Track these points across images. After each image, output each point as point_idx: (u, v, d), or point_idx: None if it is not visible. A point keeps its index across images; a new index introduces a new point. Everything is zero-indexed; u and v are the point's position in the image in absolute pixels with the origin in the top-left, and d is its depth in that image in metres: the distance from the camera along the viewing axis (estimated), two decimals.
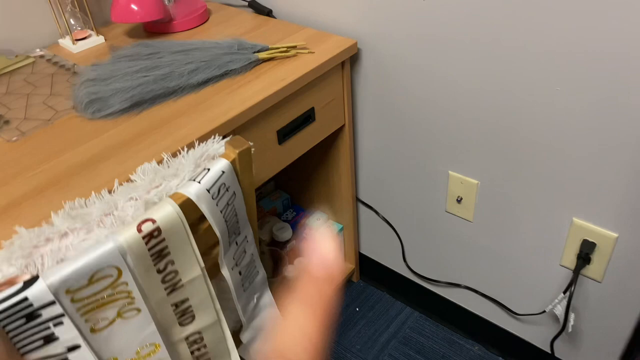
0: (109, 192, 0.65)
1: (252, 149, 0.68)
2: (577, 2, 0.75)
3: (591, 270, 0.96)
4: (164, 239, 0.58)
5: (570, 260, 0.98)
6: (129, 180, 0.67)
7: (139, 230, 0.56)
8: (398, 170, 1.17)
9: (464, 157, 1.03)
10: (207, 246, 0.68)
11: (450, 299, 1.28)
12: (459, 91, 0.96)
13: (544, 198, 0.96)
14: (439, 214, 1.16)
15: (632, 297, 0.94)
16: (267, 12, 1.17)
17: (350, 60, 1.06)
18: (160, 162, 0.69)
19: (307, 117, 1.01)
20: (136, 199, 0.62)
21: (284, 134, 0.98)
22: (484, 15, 0.85)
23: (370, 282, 1.45)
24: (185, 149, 0.68)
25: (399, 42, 0.99)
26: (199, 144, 0.69)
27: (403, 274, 1.35)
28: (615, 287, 0.95)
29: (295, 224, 1.40)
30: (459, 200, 1.10)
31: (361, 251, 1.42)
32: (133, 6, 1.03)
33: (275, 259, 1.33)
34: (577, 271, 0.96)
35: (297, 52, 0.99)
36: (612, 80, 0.77)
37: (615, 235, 0.90)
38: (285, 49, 0.99)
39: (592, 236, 0.93)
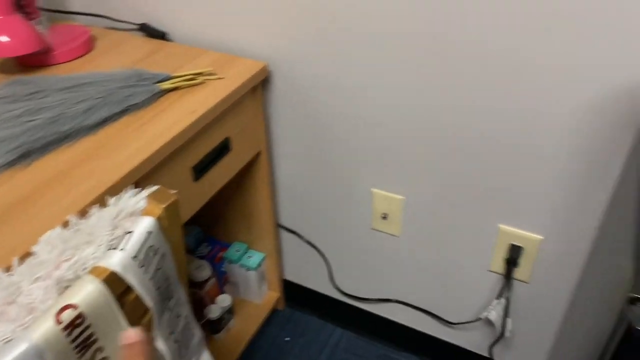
0: (6, 271, 0.53)
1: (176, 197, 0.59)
2: (488, 9, 0.76)
3: (519, 272, 0.98)
4: (89, 326, 0.48)
5: (499, 265, 1.00)
6: (29, 254, 0.55)
7: (58, 321, 0.46)
8: (320, 191, 1.13)
9: (386, 174, 1.02)
10: (137, 317, 0.59)
11: (382, 314, 1.26)
12: (377, 108, 0.94)
13: (470, 207, 0.97)
14: (364, 232, 1.14)
15: (558, 295, 0.98)
16: (162, 36, 1.07)
17: (264, 84, 1.00)
18: (66, 225, 0.58)
19: (223, 148, 0.94)
20: (45, 279, 0.51)
21: (200, 170, 0.89)
22: (397, 31, 0.83)
23: (298, 308, 1.40)
24: (96, 207, 0.58)
25: (312, 61, 0.95)
26: (111, 199, 0.59)
27: (331, 296, 1.31)
28: (542, 286, 0.98)
29: (212, 259, 1.31)
30: (384, 217, 1.08)
31: (286, 277, 1.36)
32: (2, 38, 0.89)
33: (195, 301, 1.23)
34: (508, 276, 0.98)
35: (205, 79, 0.91)
36: (530, 89, 0.79)
37: (540, 237, 0.93)
38: (190, 76, 0.91)
39: (518, 240, 0.95)
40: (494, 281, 1.03)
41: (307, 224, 1.21)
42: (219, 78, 0.92)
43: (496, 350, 1.12)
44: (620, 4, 0.67)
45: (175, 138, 0.79)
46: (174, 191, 0.59)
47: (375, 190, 1.05)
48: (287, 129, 1.07)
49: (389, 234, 1.10)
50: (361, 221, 1.12)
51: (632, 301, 0.47)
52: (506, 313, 1.00)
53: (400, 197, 1.03)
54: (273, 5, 0.92)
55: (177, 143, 0.79)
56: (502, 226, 0.95)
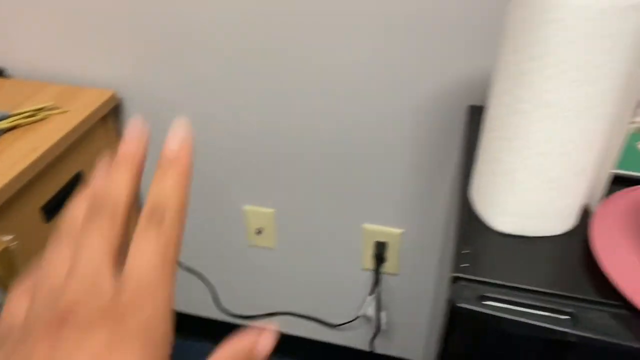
0: None
1: (14, 243, 0.56)
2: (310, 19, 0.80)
3: (388, 266, 1.04)
4: None
5: (369, 262, 1.05)
6: None
7: None
8: (192, 215, 1.11)
9: (254, 189, 1.03)
10: None
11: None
12: (234, 126, 0.95)
13: (335, 211, 1.01)
14: (243, 250, 1.14)
15: (425, 282, 1.05)
16: None
17: (114, 112, 0.97)
18: None
19: (76, 183, 0.90)
20: None
21: (51, 209, 0.85)
22: (231, 53, 0.86)
23: (188, 337, 1.36)
24: None
25: (160, 86, 0.94)
26: None
27: (220, 319, 1.30)
28: (410, 277, 1.05)
29: None
30: (259, 232, 1.09)
31: None
32: None
33: None
34: (376, 271, 1.03)
35: (47, 115, 0.87)
36: (366, 90, 0.85)
37: (400, 230, 0.99)
38: (30, 112, 0.86)
39: (382, 236, 1.01)
40: (368, 278, 1.08)
41: (184, 250, 1.19)
42: (63, 112, 0.88)
43: (377, 343, 1.17)
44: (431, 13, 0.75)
45: (14, 180, 0.74)
46: (9, 237, 0.56)
47: (246, 207, 1.06)
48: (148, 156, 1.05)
49: (266, 247, 1.12)
50: (237, 239, 1.13)
51: (454, 280, 0.52)
52: (379, 307, 1.05)
53: (270, 210, 1.05)
54: (114, 32, 0.90)
55: (17, 185, 0.75)
56: (366, 225, 1.01)
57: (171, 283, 0.22)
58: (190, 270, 1.22)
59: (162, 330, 0.21)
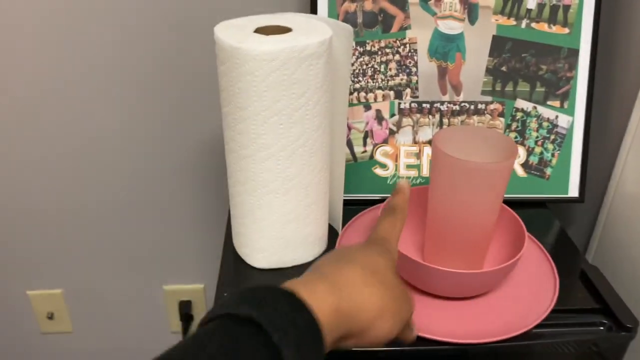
0: None
1: None
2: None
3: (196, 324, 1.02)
4: None
5: (177, 324, 1.02)
6: None
7: None
8: None
9: (38, 271, 0.95)
10: None
11: None
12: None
13: (131, 279, 0.97)
14: (35, 340, 1.03)
15: None
16: None
17: None
18: None
19: None
20: None
21: None
22: None
23: None
24: None
25: None
26: None
27: None
28: None
29: None
30: (50, 317, 1.00)
31: None
32: None
33: None
34: (185, 331, 1.01)
35: None
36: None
37: (201, 286, 0.99)
38: None
39: (184, 295, 0.99)
40: (178, 340, 1.05)
41: None
42: None
43: None
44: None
45: None
46: None
47: (30, 292, 0.97)
48: None
49: (62, 332, 1.02)
50: (29, 329, 1.02)
51: None
52: None
53: (58, 290, 0.97)
54: None
55: None
56: (166, 286, 0.98)
57: None
58: None
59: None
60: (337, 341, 0.36)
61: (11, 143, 0.82)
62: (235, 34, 0.49)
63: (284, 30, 0.51)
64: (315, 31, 0.50)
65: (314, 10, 0.66)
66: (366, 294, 0.37)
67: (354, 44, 0.66)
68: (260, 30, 0.51)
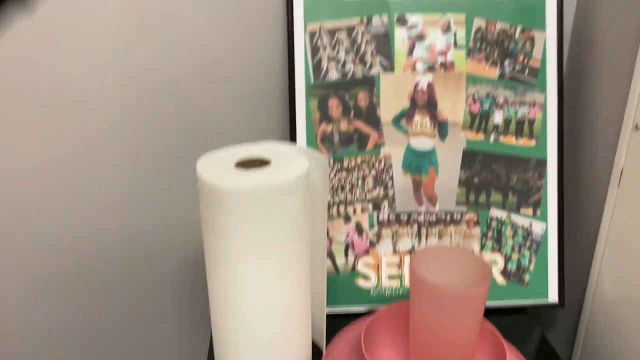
0: None
1: None
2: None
3: None
4: None
5: None
6: None
7: None
8: None
9: None
10: None
11: None
12: None
13: None
14: None
15: None
16: None
17: None
18: None
19: None
20: None
21: None
22: None
23: None
24: None
25: None
26: None
27: None
28: None
29: None
30: None
31: None
32: None
33: None
34: None
35: None
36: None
37: None
38: None
39: None
40: None
41: None
42: None
43: None
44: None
45: None
46: None
47: None
48: None
49: None
50: None
51: None
52: None
53: None
54: None
55: None
56: None
57: None
58: None
59: None
60: None
61: None
62: (216, 169, 0.51)
63: (263, 162, 0.54)
64: (293, 164, 0.53)
65: (293, 132, 0.69)
66: None
67: (330, 167, 0.69)
68: (240, 164, 0.54)
